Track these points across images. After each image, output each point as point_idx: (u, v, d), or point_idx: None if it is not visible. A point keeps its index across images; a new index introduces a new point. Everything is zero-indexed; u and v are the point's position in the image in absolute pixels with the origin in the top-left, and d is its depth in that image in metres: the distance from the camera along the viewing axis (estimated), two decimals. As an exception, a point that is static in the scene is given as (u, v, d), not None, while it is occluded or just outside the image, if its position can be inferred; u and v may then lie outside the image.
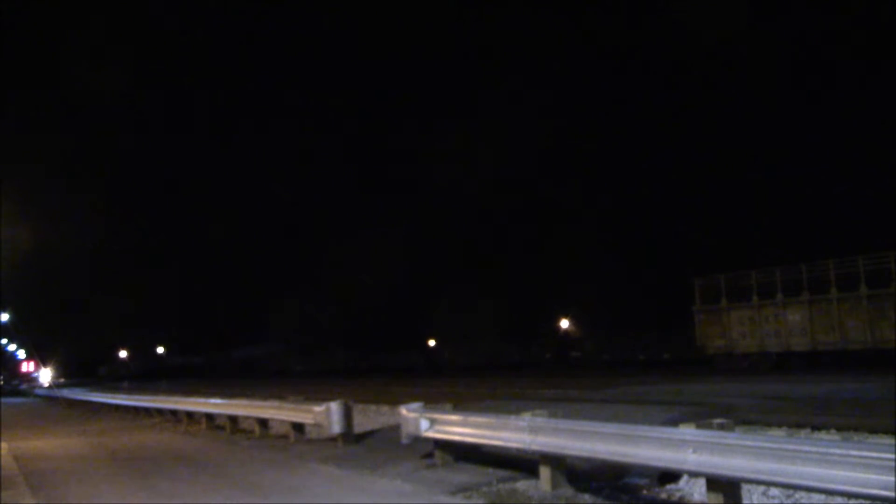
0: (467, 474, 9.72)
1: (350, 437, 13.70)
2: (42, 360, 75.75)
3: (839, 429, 10.82)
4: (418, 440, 10.94)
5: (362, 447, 13.24)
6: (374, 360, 69.73)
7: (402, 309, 74.54)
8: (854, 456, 5.35)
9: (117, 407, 28.16)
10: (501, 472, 9.50)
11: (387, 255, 77.26)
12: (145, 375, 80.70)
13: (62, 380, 77.93)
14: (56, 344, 79.27)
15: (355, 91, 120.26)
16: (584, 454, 7.87)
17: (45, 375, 74.37)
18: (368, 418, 17.92)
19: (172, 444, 15.96)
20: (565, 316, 58.43)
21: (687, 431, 6.75)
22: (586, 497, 8.18)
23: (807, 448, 5.74)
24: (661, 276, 50.59)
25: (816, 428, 11.04)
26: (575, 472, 8.73)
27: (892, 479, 5.03)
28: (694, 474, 7.33)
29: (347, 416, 13.71)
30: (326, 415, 13.56)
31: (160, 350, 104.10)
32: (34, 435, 19.84)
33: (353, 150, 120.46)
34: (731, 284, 30.03)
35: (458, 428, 10.22)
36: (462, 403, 15.29)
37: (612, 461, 7.76)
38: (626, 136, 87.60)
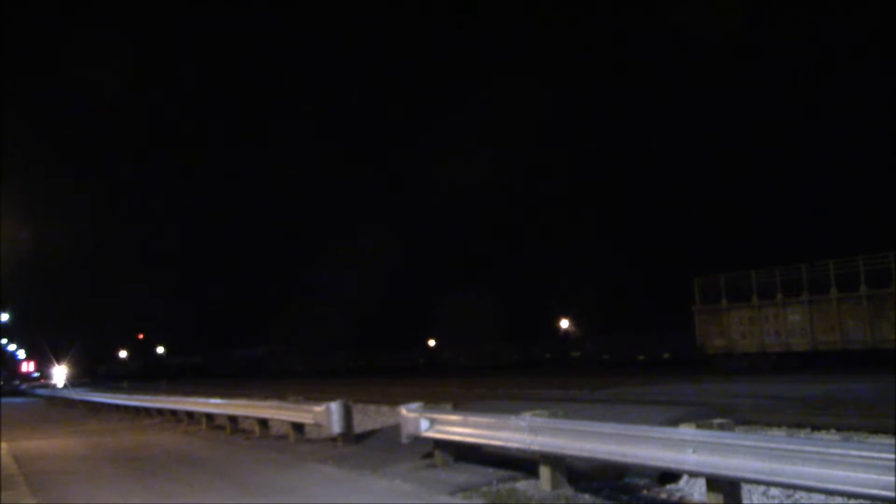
0: (467, 474, 9.71)
1: (350, 437, 13.69)
2: (56, 359, 74.68)
3: (839, 429, 10.80)
4: (418, 440, 10.92)
5: (362, 447, 13.23)
6: (375, 360, 69.64)
7: (403, 309, 74.58)
8: (854, 456, 5.35)
9: (117, 407, 28.15)
10: (501, 472, 9.49)
11: (387, 256, 77.31)
12: (145, 375, 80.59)
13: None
14: (64, 344, 78.95)
15: (356, 92, 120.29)
16: (584, 454, 7.87)
17: (60, 375, 72.74)
18: (368, 418, 17.89)
19: (172, 444, 15.96)
20: (565, 316, 58.41)
21: (687, 431, 6.75)
22: (586, 497, 8.17)
23: (807, 448, 5.74)
24: (661, 275, 50.63)
25: (816, 428, 11.01)
26: (575, 472, 8.72)
27: (892, 479, 5.03)
28: (694, 474, 7.33)
29: (347, 416, 13.69)
30: (326, 415, 13.55)
31: (160, 350, 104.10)
32: (34, 435, 19.84)
33: (353, 151, 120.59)
34: (731, 284, 29.99)
35: (458, 428, 10.21)
36: (462, 403, 15.27)
37: (612, 461, 7.75)
38: (626, 136, 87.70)
